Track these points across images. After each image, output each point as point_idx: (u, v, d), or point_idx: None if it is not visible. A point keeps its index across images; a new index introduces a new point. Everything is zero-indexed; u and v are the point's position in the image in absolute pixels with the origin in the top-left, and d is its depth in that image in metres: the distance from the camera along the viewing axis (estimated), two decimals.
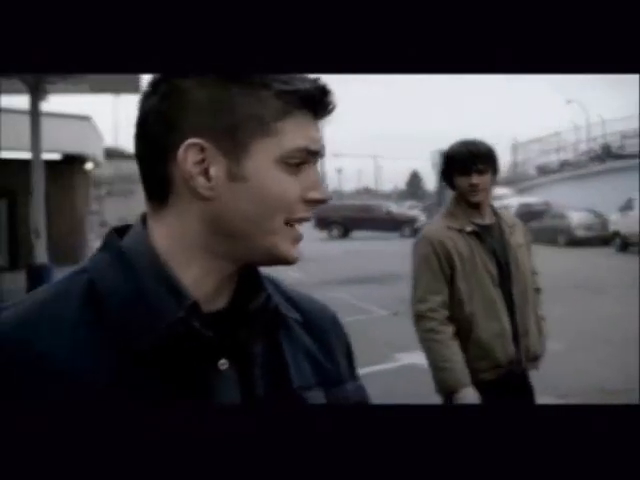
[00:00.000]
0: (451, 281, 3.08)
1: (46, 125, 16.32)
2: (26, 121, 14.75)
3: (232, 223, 0.94)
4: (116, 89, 17.07)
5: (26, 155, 14.99)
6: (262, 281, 1.02)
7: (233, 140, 0.92)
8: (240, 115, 0.92)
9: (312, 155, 0.97)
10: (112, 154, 49.39)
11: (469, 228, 3.11)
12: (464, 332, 3.06)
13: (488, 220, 3.17)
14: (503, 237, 3.16)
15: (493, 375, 3.08)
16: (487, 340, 3.06)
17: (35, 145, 14.61)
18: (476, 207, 3.13)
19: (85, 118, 21.54)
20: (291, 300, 1.10)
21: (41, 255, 14.57)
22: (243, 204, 0.93)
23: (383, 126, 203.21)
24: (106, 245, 0.98)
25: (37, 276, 14.18)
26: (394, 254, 23.81)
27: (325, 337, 1.12)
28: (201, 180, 0.92)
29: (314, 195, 0.97)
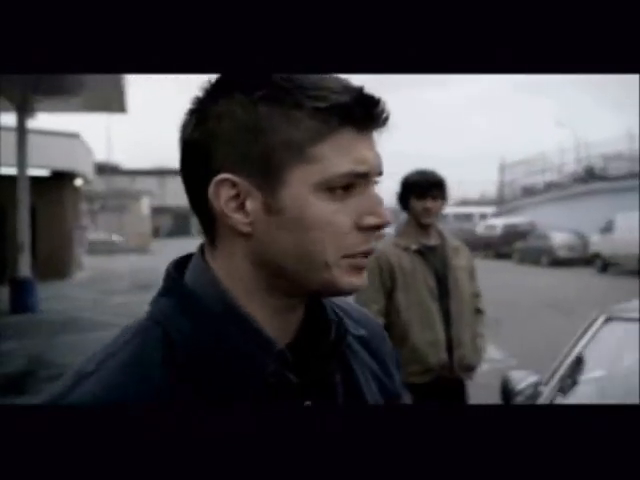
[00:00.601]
0: (392, 292, 3.48)
1: (35, 142, 16.60)
2: (14, 137, 15.09)
3: (277, 259, 0.86)
4: (103, 108, 17.32)
5: (15, 171, 15.29)
6: (328, 309, 0.95)
7: (266, 170, 0.84)
8: (272, 142, 0.83)
9: (362, 177, 0.86)
10: (104, 169, 49.70)
11: (414, 247, 3.52)
12: (400, 338, 3.41)
13: (434, 241, 3.59)
14: (445, 257, 3.58)
15: (424, 379, 3.41)
16: (420, 347, 3.42)
17: (21, 162, 14.96)
18: (425, 229, 3.56)
19: (74, 135, 21.88)
20: (348, 315, 1.03)
21: (24, 269, 14.86)
22: (286, 239, 0.85)
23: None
24: (169, 289, 0.90)
25: (20, 290, 14.47)
26: None
27: (380, 351, 1.06)
28: (238, 216, 0.85)
29: (370, 221, 0.86)
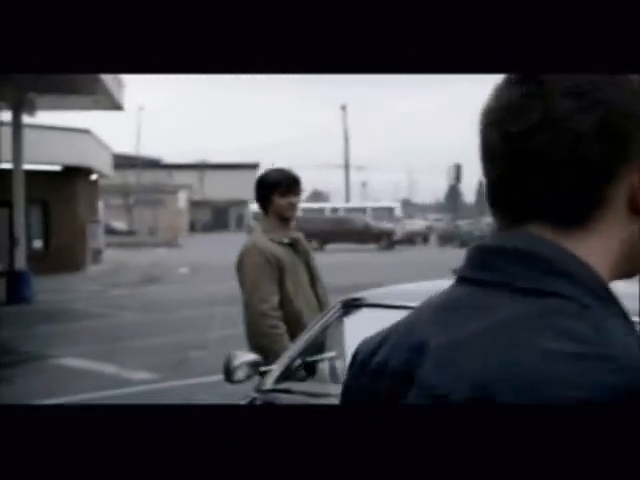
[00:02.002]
0: (281, 283, 3.78)
1: (47, 138, 17.15)
2: (26, 134, 15.75)
3: None
4: (96, 107, 17.75)
5: (26, 166, 15.91)
6: None
7: None
8: None
9: None
10: (136, 163, 50.38)
11: (285, 240, 3.86)
12: (294, 322, 3.74)
13: (294, 234, 3.95)
14: (305, 247, 3.98)
15: None
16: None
17: (17, 158, 15.54)
18: (287, 223, 3.92)
19: (85, 131, 22.45)
20: None
21: (20, 261, 15.46)
22: None
23: (415, 140, 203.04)
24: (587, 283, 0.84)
25: (16, 281, 15.08)
26: (372, 265, 24.14)
27: None
28: None
29: None
